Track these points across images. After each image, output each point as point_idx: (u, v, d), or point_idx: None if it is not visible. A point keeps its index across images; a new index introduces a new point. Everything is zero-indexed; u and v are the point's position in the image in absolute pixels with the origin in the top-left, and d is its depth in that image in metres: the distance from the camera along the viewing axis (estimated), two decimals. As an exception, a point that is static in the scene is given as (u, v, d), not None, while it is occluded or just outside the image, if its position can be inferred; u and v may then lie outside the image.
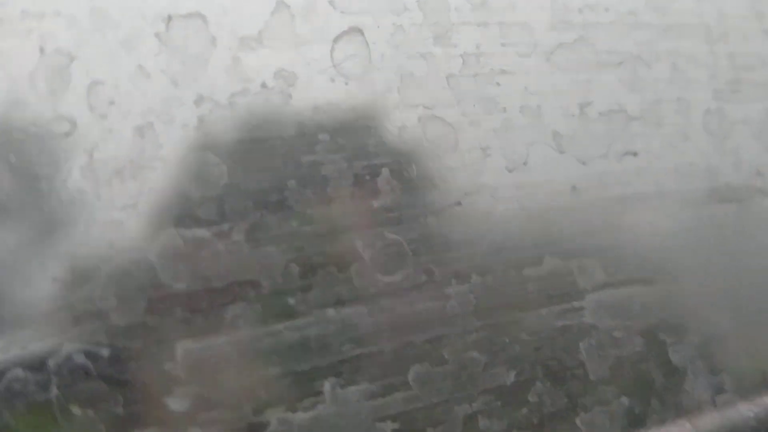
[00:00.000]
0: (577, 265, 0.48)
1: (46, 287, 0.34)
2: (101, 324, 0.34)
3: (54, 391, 0.33)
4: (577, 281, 0.48)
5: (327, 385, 0.39)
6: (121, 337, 0.35)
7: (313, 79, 0.41)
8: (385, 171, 0.42)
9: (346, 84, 0.42)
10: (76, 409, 0.33)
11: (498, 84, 0.45)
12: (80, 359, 0.34)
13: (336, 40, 0.41)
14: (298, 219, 0.40)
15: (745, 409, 0.53)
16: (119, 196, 0.36)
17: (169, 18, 0.38)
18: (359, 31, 0.42)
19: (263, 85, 0.39)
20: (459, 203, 0.44)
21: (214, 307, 0.37)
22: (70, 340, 0.34)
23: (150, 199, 0.37)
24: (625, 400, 0.48)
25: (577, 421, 0.46)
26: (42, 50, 0.35)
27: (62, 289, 0.34)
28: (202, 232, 0.37)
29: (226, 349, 0.37)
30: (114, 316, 0.35)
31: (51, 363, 0.33)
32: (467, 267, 0.44)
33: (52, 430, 0.33)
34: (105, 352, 0.34)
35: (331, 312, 0.40)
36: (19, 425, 0.33)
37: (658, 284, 0.51)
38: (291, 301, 0.39)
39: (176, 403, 0.35)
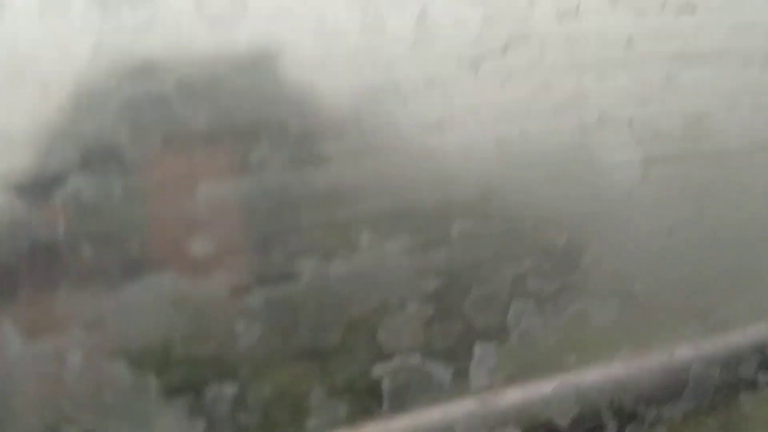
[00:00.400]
0: (632, 125, 0.44)
1: (51, 114, 0.30)
2: (113, 157, 0.30)
3: (61, 229, 0.30)
4: (633, 143, 0.44)
5: (364, 237, 0.35)
6: (134, 173, 0.31)
7: None
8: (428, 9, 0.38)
9: None
10: (87, 250, 0.30)
11: None
12: (90, 194, 0.30)
13: None
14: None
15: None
16: (129, 20, 0.32)
17: None
18: None
19: None
20: (504, 50, 0.40)
21: (237, 147, 0.33)
22: (78, 172, 0.30)
23: (165, 25, 0.32)
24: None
25: (635, 286, 0.42)
26: None
27: (69, 116, 0.30)
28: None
29: (253, 192, 0.33)
30: (127, 150, 0.31)
31: (57, 198, 0.30)
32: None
33: (60, 273, 0.30)
34: (117, 187, 0.30)
35: (367, 160, 0.36)
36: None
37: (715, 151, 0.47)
38: (322, 147, 0.35)
39: (198, 246, 0.32)
